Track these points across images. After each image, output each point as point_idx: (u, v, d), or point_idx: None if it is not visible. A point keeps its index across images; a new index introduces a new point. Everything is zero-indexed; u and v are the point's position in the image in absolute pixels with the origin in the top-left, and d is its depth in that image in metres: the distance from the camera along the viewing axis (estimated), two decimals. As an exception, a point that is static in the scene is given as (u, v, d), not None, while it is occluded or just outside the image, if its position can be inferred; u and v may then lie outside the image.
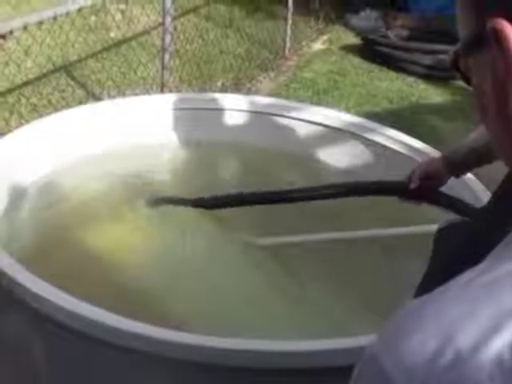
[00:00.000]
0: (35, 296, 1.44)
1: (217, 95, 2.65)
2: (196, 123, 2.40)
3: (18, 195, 2.01)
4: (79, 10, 3.12)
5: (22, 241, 1.92)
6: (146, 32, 4.97)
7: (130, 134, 2.31)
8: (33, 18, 2.53)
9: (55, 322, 1.43)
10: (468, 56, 0.60)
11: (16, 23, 2.38)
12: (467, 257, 0.57)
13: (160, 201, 2.08)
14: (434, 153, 2.15)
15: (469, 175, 1.89)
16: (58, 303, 1.43)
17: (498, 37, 0.55)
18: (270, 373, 1.40)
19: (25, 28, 2.54)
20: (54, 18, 2.74)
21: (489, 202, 0.80)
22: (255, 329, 1.69)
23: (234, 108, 2.46)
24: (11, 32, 2.21)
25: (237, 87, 4.57)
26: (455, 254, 0.76)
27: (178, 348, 1.37)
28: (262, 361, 1.40)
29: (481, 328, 0.48)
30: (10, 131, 3.41)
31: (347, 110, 4.30)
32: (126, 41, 4.81)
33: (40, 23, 2.68)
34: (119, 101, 2.60)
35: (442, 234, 0.85)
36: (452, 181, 1.82)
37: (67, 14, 2.86)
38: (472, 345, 0.48)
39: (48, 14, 2.63)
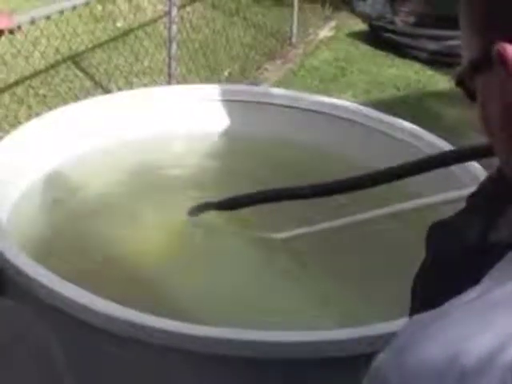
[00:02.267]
0: (51, 292, 1.47)
1: (225, 86, 2.66)
2: (207, 114, 2.42)
3: (29, 188, 2.03)
4: (87, 3, 3.13)
5: (34, 233, 1.94)
6: (152, 21, 4.98)
7: (141, 126, 2.33)
8: (40, 12, 2.55)
9: (66, 314, 1.45)
10: (473, 76, 0.63)
11: (23, 18, 2.40)
12: (461, 267, 0.58)
13: (192, 210, 2.05)
14: (441, 142, 2.16)
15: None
16: (70, 297, 1.46)
17: (503, 60, 0.57)
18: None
19: (32, 21, 2.56)
20: (61, 12, 2.76)
21: (478, 205, 0.80)
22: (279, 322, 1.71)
23: (243, 99, 2.47)
24: (19, 27, 2.23)
25: (244, 76, 4.57)
26: (448, 263, 0.77)
27: (207, 342, 1.40)
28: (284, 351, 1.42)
29: (485, 348, 0.49)
30: (18, 123, 3.45)
31: (354, 97, 4.30)
32: (132, 31, 4.82)
33: (47, 16, 2.70)
34: (130, 92, 2.62)
35: (432, 235, 0.86)
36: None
37: (74, 7, 2.87)
38: (477, 365, 0.48)
39: (55, 7, 2.65)
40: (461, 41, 0.64)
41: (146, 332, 1.40)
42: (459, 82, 0.65)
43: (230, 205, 1.96)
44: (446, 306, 0.54)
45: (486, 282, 0.55)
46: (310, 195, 1.82)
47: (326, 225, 1.93)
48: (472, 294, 0.54)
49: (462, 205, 0.82)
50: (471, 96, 0.64)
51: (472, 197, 0.82)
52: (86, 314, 1.45)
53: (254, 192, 1.91)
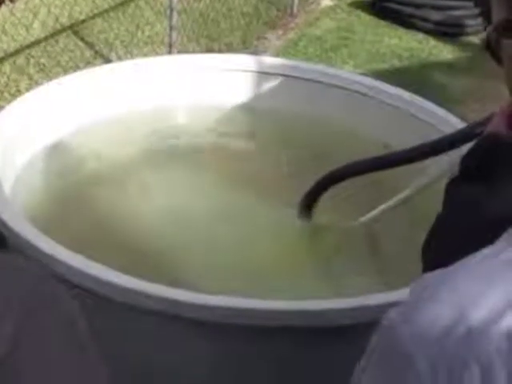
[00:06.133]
0: (57, 262, 1.47)
1: (225, 56, 2.65)
2: (207, 85, 2.40)
3: (32, 158, 2.03)
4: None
5: (39, 205, 1.94)
6: (152, -10, 4.93)
7: (143, 96, 2.32)
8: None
9: (68, 282, 1.45)
10: (500, 39, 0.65)
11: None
12: (480, 237, 0.58)
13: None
14: (446, 115, 2.15)
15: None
16: (72, 265, 1.47)
17: None
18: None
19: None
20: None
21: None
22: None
23: (242, 69, 2.45)
24: (20, -5, 2.21)
25: (244, 46, 4.55)
26: (467, 230, 0.77)
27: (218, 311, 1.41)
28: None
29: (493, 305, 0.50)
30: (19, 92, 3.43)
31: (356, 67, 4.28)
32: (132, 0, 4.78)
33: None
34: (131, 62, 2.60)
35: (451, 192, 0.86)
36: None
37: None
38: (483, 320, 0.50)
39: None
40: (491, 4, 0.66)
41: (143, 299, 1.42)
42: (487, 46, 0.67)
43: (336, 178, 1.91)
44: (457, 264, 0.55)
45: (499, 243, 0.55)
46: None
47: (395, 199, 1.91)
48: (485, 253, 0.55)
49: None
50: (498, 59, 0.66)
51: (487, 157, 0.81)
52: (88, 282, 1.45)
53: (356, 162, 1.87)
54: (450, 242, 0.80)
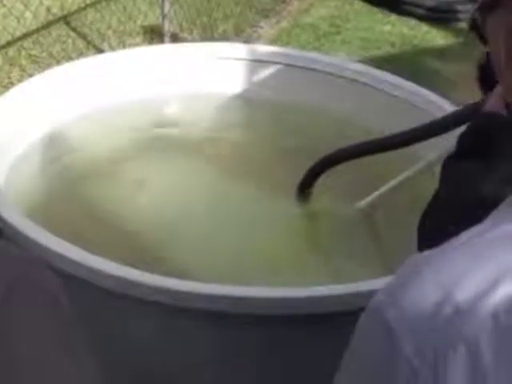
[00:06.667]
0: (46, 250, 1.47)
1: (219, 44, 2.65)
2: (201, 74, 2.40)
3: (27, 150, 2.03)
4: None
5: (32, 194, 1.94)
6: (144, -21, 4.90)
7: (138, 86, 2.31)
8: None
9: (64, 274, 1.45)
10: (485, 18, 0.66)
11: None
12: (475, 217, 0.58)
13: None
14: (440, 100, 2.15)
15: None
16: (68, 256, 1.47)
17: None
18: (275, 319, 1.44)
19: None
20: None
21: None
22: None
23: (236, 57, 2.45)
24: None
25: (238, 34, 4.53)
26: (462, 210, 0.77)
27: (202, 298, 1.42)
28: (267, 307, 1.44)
29: (479, 284, 0.50)
30: (11, 84, 3.42)
31: (349, 54, 4.27)
32: (124, -11, 4.75)
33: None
34: (124, 52, 2.59)
35: (447, 170, 0.86)
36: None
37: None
38: (470, 300, 0.49)
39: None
40: None
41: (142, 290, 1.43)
42: (472, 27, 0.67)
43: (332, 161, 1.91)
44: (444, 245, 0.55)
45: (486, 222, 0.56)
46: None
47: (392, 183, 1.91)
48: (471, 232, 0.55)
49: None
50: (484, 40, 0.67)
51: (479, 134, 0.81)
52: (83, 272, 1.46)
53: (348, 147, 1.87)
54: (444, 219, 0.80)
